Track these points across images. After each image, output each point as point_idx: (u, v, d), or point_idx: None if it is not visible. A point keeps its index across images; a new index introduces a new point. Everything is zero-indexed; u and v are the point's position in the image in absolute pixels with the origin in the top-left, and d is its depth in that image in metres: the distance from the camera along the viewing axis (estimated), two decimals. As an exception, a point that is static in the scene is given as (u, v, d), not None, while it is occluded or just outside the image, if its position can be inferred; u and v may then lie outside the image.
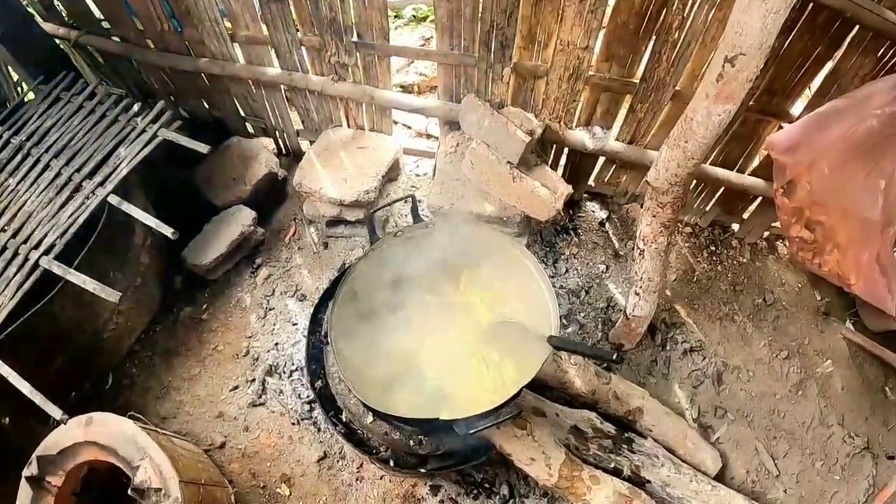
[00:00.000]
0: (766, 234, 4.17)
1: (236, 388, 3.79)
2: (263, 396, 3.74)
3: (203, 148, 3.56)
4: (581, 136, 3.73)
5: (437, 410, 2.61)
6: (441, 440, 2.94)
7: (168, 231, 3.36)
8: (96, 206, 3.34)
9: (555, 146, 3.88)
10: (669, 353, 3.79)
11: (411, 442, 2.92)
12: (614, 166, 4.03)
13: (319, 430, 3.61)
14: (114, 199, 3.39)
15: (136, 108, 3.76)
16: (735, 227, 4.21)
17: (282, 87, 4.18)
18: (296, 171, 4.04)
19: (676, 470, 3.26)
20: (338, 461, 3.51)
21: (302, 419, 3.63)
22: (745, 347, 3.77)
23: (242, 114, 4.56)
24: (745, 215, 4.09)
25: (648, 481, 3.24)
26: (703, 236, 4.25)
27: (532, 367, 2.62)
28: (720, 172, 3.78)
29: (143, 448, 2.77)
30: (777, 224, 3.82)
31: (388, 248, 3.02)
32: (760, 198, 3.85)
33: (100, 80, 4.05)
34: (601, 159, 3.98)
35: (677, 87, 3.40)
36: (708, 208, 4.16)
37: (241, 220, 4.12)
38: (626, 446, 3.34)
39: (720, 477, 3.36)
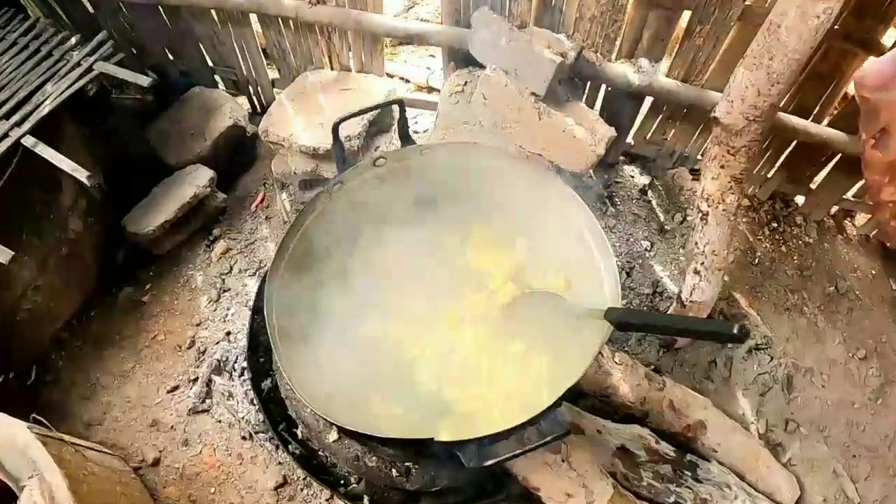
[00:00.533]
0: (833, 209, 3.49)
1: (175, 388, 2.99)
2: (208, 401, 2.92)
3: (144, 80, 2.96)
4: (623, 70, 2.88)
5: (432, 428, 1.82)
6: (438, 471, 2.07)
7: (83, 175, 2.67)
8: (8, 149, 2.73)
9: (588, 85, 2.99)
10: (731, 352, 3.02)
11: (394, 472, 2.05)
12: (660, 118, 3.18)
13: (278, 447, 2.73)
14: (28, 141, 2.76)
15: (73, 40, 3.15)
16: (799, 200, 3.51)
17: (252, 19, 3.38)
18: (262, 121, 3.16)
19: None
20: (301, 489, 2.67)
21: (256, 432, 2.79)
22: (818, 345, 3.11)
23: (210, 63, 3.79)
24: (814, 184, 3.36)
25: None
26: (763, 210, 3.51)
27: (579, 359, 1.75)
28: (795, 121, 2.95)
29: (34, 463, 2.10)
30: (849, 197, 3.32)
31: (361, 184, 2.13)
32: (832, 163, 3.18)
33: (45, 17, 3.43)
34: (646, 105, 3.15)
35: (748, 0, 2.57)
36: (770, 174, 3.35)
37: (197, 180, 3.30)
38: (688, 473, 2.48)
39: (796, 508, 2.63)
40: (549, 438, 1.55)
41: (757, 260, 3.30)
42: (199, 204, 3.33)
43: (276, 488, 2.63)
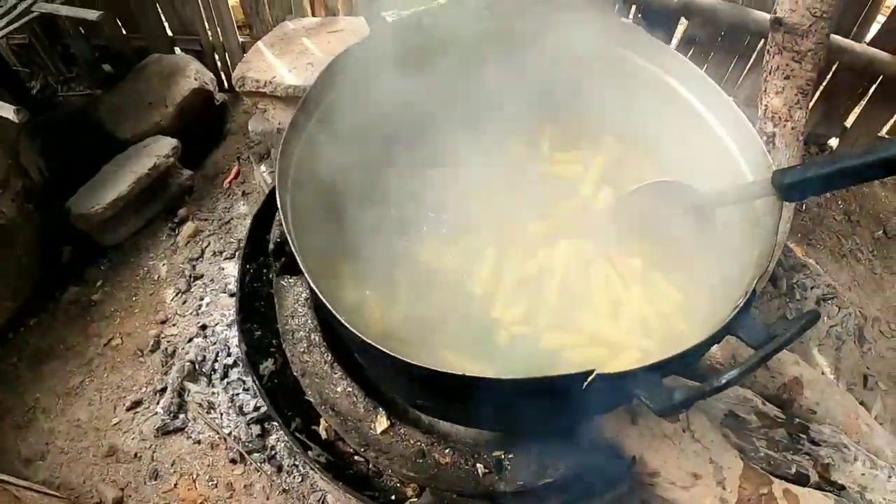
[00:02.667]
0: None
1: (138, 404, 2.24)
2: (182, 416, 2.18)
3: (91, 14, 2.35)
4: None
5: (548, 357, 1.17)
6: (546, 457, 1.34)
7: (10, 112, 2.09)
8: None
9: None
10: (800, 304, 2.58)
11: (480, 467, 1.28)
12: (692, 50, 2.67)
13: (281, 468, 2.03)
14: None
15: None
16: (833, 142, 3.15)
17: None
18: (236, 68, 2.45)
19: (872, 465, 1.92)
20: (323, 522, 2.01)
21: (249, 451, 2.06)
22: (879, 293, 2.79)
23: (170, 32, 3.13)
24: (848, 123, 3.02)
25: (843, 487, 1.85)
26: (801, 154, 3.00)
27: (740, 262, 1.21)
28: (839, 41, 2.57)
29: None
30: (883, 134, 3.02)
31: (398, 48, 1.40)
32: (868, 95, 2.84)
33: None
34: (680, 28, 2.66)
35: None
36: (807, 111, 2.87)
37: (156, 150, 2.60)
38: (803, 436, 1.90)
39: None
40: (786, 336, 0.90)
41: (804, 207, 2.94)
42: (160, 181, 2.62)
43: (283, 526, 1.89)
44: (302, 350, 1.38)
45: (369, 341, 0.92)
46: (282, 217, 1.05)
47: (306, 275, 0.95)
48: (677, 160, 1.47)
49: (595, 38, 1.53)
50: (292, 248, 0.98)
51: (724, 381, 0.95)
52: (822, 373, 2.42)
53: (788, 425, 1.93)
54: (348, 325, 0.93)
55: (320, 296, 0.94)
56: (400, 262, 1.36)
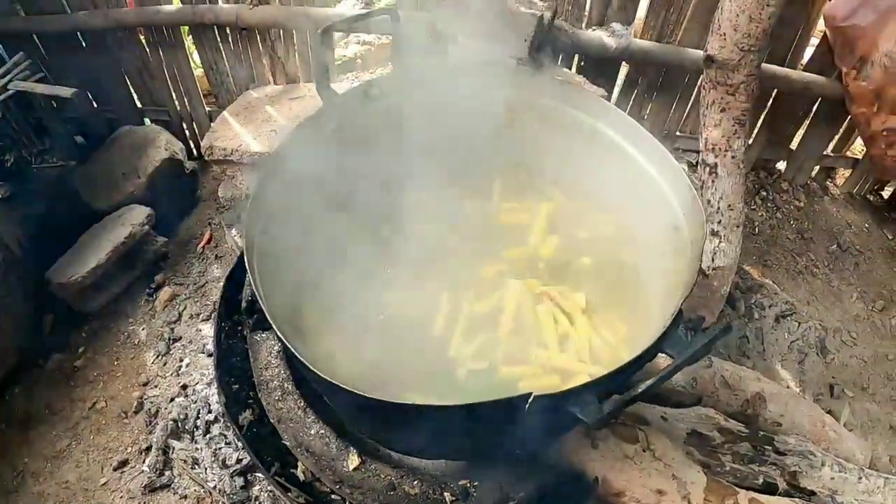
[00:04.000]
0: (814, 170, 3.28)
1: (124, 464, 2.26)
2: (167, 473, 2.20)
3: (66, 91, 2.49)
4: (598, 36, 2.48)
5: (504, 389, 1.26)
6: (511, 478, 1.44)
7: None
8: None
9: (560, 57, 2.59)
10: (760, 324, 2.66)
11: (447, 496, 1.37)
12: (636, 92, 2.81)
13: None
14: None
15: None
16: (781, 166, 3.31)
17: (184, 33, 2.86)
18: (204, 138, 2.57)
19: (840, 468, 2.01)
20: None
21: (234, 503, 2.07)
22: (837, 304, 2.90)
23: (139, 104, 3.22)
24: (793, 145, 3.17)
25: (812, 493, 1.93)
26: (750, 181, 3.28)
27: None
28: (774, 69, 2.70)
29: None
30: (828, 153, 3.18)
31: (350, 118, 1.53)
32: (810, 117, 3.00)
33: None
34: (623, 72, 2.76)
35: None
36: (752, 139, 3.10)
37: (131, 219, 2.66)
38: (768, 447, 1.98)
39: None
40: (698, 346, 1.02)
41: (757, 230, 3.05)
42: (136, 249, 2.69)
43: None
44: (277, 398, 1.46)
45: (335, 382, 1.01)
46: (251, 280, 1.14)
47: (276, 330, 1.05)
48: (617, 205, 1.61)
49: (533, 95, 1.67)
50: (262, 308, 1.08)
51: (641, 389, 1.07)
52: (788, 386, 2.49)
53: (753, 438, 2.01)
54: (316, 370, 1.02)
55: (289, 346, 1.04)
56: (363, 312, 1.45)
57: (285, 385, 1.50)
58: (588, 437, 1.60)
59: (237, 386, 1.64)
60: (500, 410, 1.08)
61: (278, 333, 1.04)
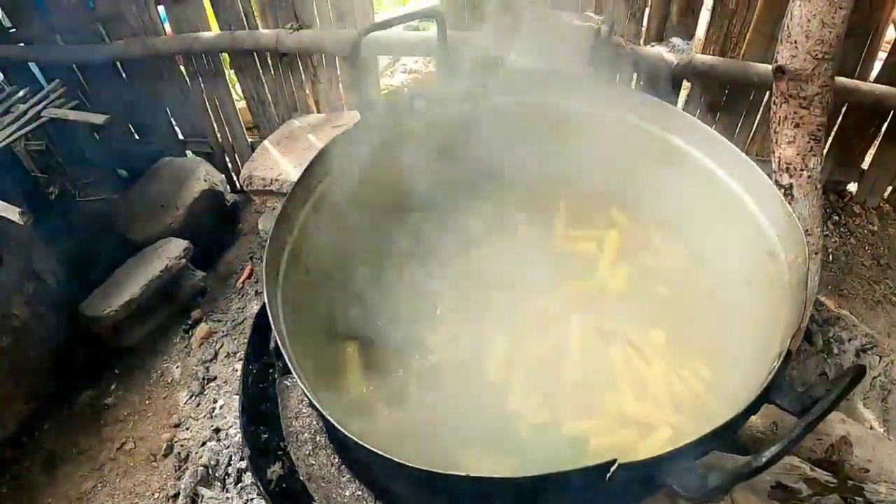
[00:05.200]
0: (887, 191, 2.95)
1: None
2: None
3: (98, 118, 2.34)
4: (657, 52, 2.29)
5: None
6: None
7: (15, 214, 2.01)
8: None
9: (618, 76, 2.40)
10: (839, 359, 2.36)
11: None
12: (698, 112, 2.58)
13: None
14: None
15: (22, 93, 2.54)
16: (852, 188, 3.00)
17: (224, 62, 2.78)
18: (243, 168, 2.45)
19: None
20: None
21: None
22: None
23: (181, 136, 3.15)
24: (865, 165, 2.85)
25: None
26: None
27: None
28: (844, 81, 2.44)
29: None
30: None
31: (392, 136, 1.36)
32: (881, 134, 2.69)
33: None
34: (684, 91, 2.56)
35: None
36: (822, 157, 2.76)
37: (168, 252, 2.54)
38: (859, 499, 1.70)
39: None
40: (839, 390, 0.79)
41: (831, 257, 2.74)
42: (172, 283, 2.56)
43: None
44: (307, 452, 1.26)
45: (369, 447, 0.81)
46: (271, 319, 0.97)
47: (297, 378, 0.86)
48: (693, 229, 1.39)
49: (597, 108, 1.48)
50: (283, 352, 0.90)
51: (765, 460, 0.83)
52: (871, 427, 2.18)
53: (842, 489, 1.70)
54: (342, 429, 0.83)
55: (310, 397, 0.84)
56: (406, 353, 1.25)
57: (318, 438, 1.30)
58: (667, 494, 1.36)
59: (266, 435, 1.45)
60: (572, 481, 0.86)
61: (301, 385, 0.85)
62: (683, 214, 1.40)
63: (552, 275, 1.36)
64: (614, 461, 0.81)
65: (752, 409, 0.94)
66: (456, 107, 1.41)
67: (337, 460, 1.25)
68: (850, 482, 1.76)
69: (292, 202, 1.24)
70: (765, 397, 0.95)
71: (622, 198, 1.50)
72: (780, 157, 2.02)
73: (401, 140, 1.35)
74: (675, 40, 2.31)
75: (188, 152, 3.16)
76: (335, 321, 1.25)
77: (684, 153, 1.38)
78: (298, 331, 1.06)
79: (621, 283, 1.36)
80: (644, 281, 1.36)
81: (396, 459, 0.79)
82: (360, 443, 0.81)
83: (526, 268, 1.38)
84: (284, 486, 1.39)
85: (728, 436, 0.95)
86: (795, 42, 1.83)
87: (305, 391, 0.87)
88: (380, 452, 0.79)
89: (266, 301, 1.02)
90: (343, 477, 1.24)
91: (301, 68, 2.64)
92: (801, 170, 1.96)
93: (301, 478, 1.26)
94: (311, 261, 1.24)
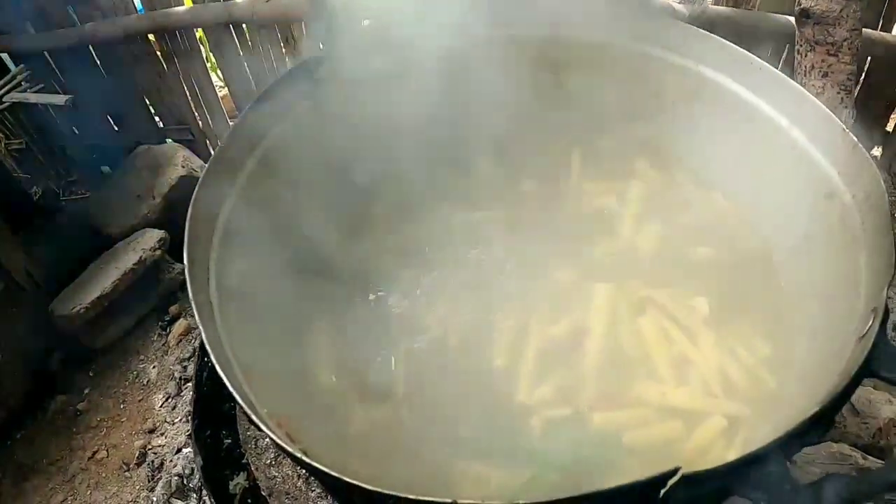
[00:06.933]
0: None
1: None
2: None
3: (59, 99, 2.24)
4: (667, 3, 2.02)
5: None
6: None
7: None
8: None
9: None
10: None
11: None
12: None
13: None
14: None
15: None
16: (876, 152, 2.64)
17: (201, 41, 2.52)
18: (216, 151, 2.16)
19: None
20: None
21: None
22: None
23: (161, 124, 2.88)
24: (890, 126, 2.52)
25: None
26: None
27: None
28: (868, 33, 2.11)
29: None
30: None
31: (356, 72, 1.10)
32: None
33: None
34: None
35: None
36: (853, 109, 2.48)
37: (142, 244, 2.27)
38: None
39: None
40: None
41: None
42: (149, 276, 2.29)
43: None
44: (268, 462, 0.99)
45: (313, 463, 0.54)
46: (194, 310, 0.70)
47: (229, 385, 0.59)
48: (733, 175, 1.11)
49: (618, 40, 1.20)
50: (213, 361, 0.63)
51: None
52: None
53: None
54: (285, 445, 0.56)
55: (242, 404, 0.57)
56: (390, 336, 0.98)
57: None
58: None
59: (230, 440, 1.18)
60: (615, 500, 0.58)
61: (231, 390, 0.58)
62: (720, 159, 1.13)
63: (567, 237, 1.09)
64: (676, 469, 0.54)
65: (852, 386, 0.67)
66: (440, 42, 1.14)
67: (304, 471, 0.99)
68: (911, 473, 1.51)
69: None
70: (866, 369, 0.67)
71: (647, 144, 1.22)
72: (807, 110, 1.78)
73: (374, 83, 1.08)
74: (687, -9, 2.05)
75: (168, 140, 2.90)
76: (299, 294, 0.98)
77: (718, 85, 1.11)
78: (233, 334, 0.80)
79: (652, 244, 1.10)
80: (678, 240, 1.09)
81: (358, 484, 0.52)
82: (307, 460, 0.54)
83: (534, 230, 1.11)
84: (250, 500, 1.13)
85: (821, 428, 0.68)
86: (820, -19, 1.64)
87: (236, 396, 0.60)
88: (329, 471, 0.52)
89: (191, 297, 0.75)
90: (312, 492, 0.97)
91: (281, 41, 2.37)
92: (832, 123, 1.75)
93: (262, 493, 0.99)
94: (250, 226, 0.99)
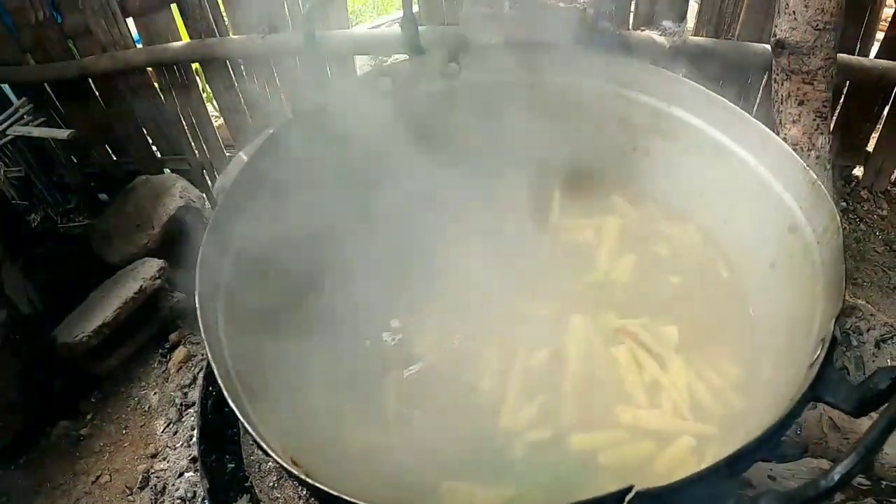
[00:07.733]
0: (895, 174, 2.82)
1: None
2: None
3: (62, 133, 2.28)
4: (647, 36, 2.13)
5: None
6: None
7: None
8: None
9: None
10: (859, 351, 2.13)
11: None
12: None
13: None
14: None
15: None
16: (858, 172, 2.84)
17: (198, 75, 2.62)
18: (217, 180, 2.27)
19: None
20: None
21: None
22: None
23: (159, 154, 2.98)
24: (870, 147, 2.69)
25: None
26: None
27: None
28: (845, 58, 2.26)
29: None
30: None
31: (353, 116, 1.18)
32: (885, 114, 2.51)
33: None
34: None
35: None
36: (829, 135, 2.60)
37: (143, 273, 2.34)
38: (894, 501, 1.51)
39: None
40: None
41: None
42: (150, 305, 2.36)
43: None
44: (271, 484, 1.07)
45: (314, 483, 0.61)
46: (202, 331, 0.78)
47: (228, 398, 0.67)
48: (702, 209, 1.20)
49: (589, 80, 1.29)
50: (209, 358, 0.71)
51: (838, 478, 0.63)
52: None
53: (877, 492, 1.50)
54: (286, 465, 0.63)
55: (245, 423, 0.65)
56: (379, 368, 1.06)
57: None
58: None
59: (234, 464, 1.25)
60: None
61: (232, 406, 0.66)
62: (692, 194, 1.22)
63: (546, 271, 1.17)
64: (630, 488, 0.61)
65: (795, 413, 0.75)
66: (427, 87, 1.23)
67: (305, 493, 1.06)
68: (884, 483, 1.58)
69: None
70: (811, 394, 0.75)
71: (622, 180, 1.31)
72: (785, 138, 1.84)
73: (367, 124, 1.17)
74: (667, 23, 2.15)
75: (166, 170, 2.99)
76: (296, 332, 1.06)
77: (689, 125, 1.21)
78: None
79: (625, 275, 1.18)
80: (652, 271, 1.18)
81: (355, 502, 0.60)
82: (308, 480, 0.61)
83: (515, 264, 1.19)
84: (252, 523, 1.20)
85: (769, 448, 0.76)
86: (794, 13, 1.67)
87: (235, 410, 0.67)
88: (328, 490, 0.60)
89: (199, 319, 0.83)
90: (312, 512, 1.04)
91: (277, 76, 2.48)
92: (809, 150, 1.77)
93: (266, 516, 1.06)
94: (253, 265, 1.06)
